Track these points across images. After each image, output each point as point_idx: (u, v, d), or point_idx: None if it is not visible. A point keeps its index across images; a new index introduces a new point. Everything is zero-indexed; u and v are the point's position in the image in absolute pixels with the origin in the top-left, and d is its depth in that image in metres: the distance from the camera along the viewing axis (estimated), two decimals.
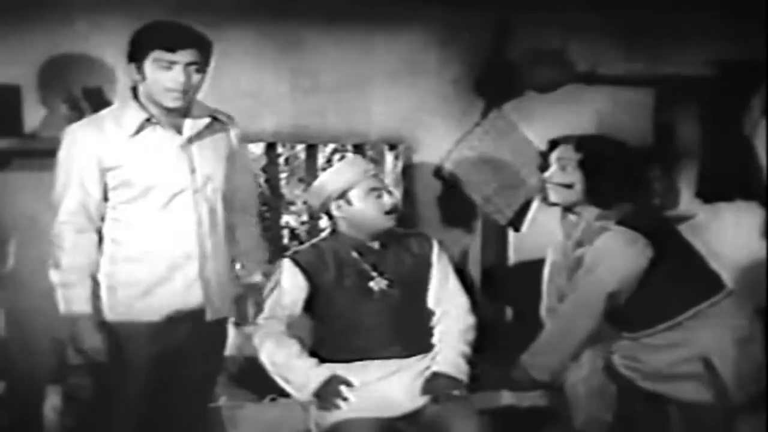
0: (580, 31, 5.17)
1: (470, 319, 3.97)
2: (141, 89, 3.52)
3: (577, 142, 3.85)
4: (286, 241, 6.79)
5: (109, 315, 3.54)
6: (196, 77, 3.49)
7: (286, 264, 3.90)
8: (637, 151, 4.11)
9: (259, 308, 3.83)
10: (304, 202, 6.12)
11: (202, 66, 3.50)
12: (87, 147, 3.48)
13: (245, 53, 4.80)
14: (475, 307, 4.04)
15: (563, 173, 3.81)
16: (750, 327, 3.74)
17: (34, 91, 4.46)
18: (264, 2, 4.78)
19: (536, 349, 3.84)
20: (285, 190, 7.20)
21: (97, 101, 4.32)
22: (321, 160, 7.04)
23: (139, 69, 3.47)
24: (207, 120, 3.61)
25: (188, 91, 3.49)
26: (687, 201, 5.52)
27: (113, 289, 3.54)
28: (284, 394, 4.10)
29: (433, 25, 5.07)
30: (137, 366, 3.54)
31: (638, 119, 5.37)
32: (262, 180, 7.43)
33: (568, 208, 3.87)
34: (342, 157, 7.79)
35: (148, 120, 3.51)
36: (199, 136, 3.59)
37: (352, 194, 3.86)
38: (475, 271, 5.25)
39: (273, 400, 4.51)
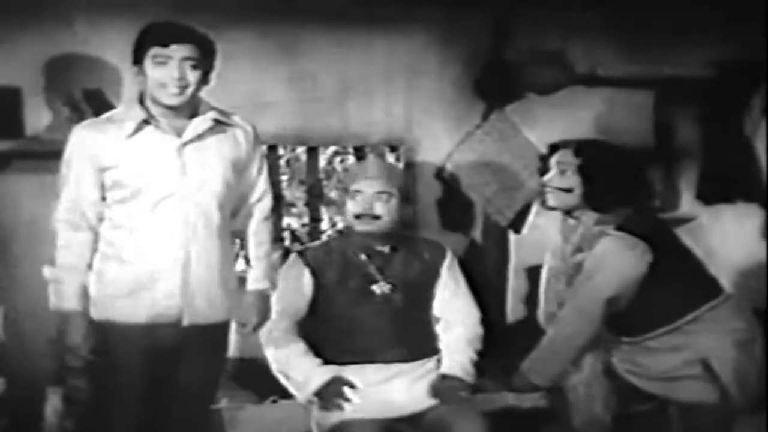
0: (580, 33, 5.17)
1: (479, 330, 4.00)
2: (146, 91, 3.53)
3: (576, 146, 3.85)
4: (287, 243, 6.80)
5: (95, 313, 3.54)
6: (193, 73, 3.49)
7: (294, 259, 3.91)
8: (637, 154, 4.10)
9: (265, 316, 3.79)
10: (306, 204, 6.11)
11: (200, 62, 3.50)
12: (86, 146, 3.50)
13: (246, 55, 4.80)
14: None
15: (562, 177, 3.81)
16: (749, 330, 3.74)
17: (34, 93, 4.46)
18: (264, 4, 4.78)
19: (536, 356, 3.84)
20: (286, 192, 7.20)
21: (98, 103, 4.32)
22: (322, 162, 7.05)
23: (141, 69, 3.49)
24: (209, 122, 3.58)
25: (186, 87, 3.48)
26: (687, 202, 5.51)
27: (100, 288, 3.54)
28: (286, 396, 4.10)
29: (433, 27, 5.07)
30: (129, 367, 3.52)
31: (638, 120, 5.37)
32: None
33: (567, 213, 3.87)
34: (343, 160, 7.80)
35: (145, 121, 3.51)
36: (200, 138, 3.57)
37: (347, 195, 3.90)
38: (475, 272, 5.24)
39: (274, 401, 4.50)
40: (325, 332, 3.89)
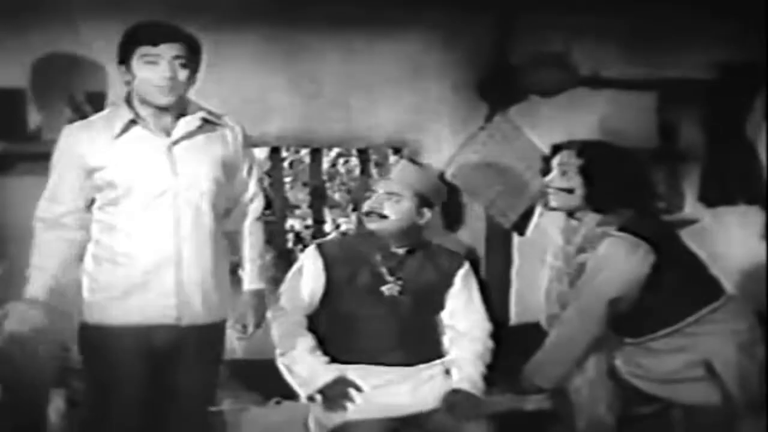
0: (583, 35, 5.17)
1: (489, 344, 4.00)
2: (133, 91, 3.52)
3: (578, 147, 3.86)
4: (290, 245, 6.81)
5: (90, 317, 3.54)
6: (183, 72, 3.48)
7: (311, 251, 3.93)
8: (639, 156, 4.10)
9: (262, 316, 3.80)
10: (309, 206, 6.13)
11: (189, 61, 3.49)
12: (72, 147, 3.50)
13: (249, 58, 4.81)
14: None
15: (564, 178, 3.82)
16: (751, 331, 3.74)
17: (36, 94, 4.47)
18: (267, 7, 4.78)
19: (539, 358, 3.84)
20: (289, 194, 7.23)
21: (100, 105, 4.32)
22: (325, 164, 7.07)
23: (128, 69, 3.47)
24: (197, 122, 3.57)
25: (176, 87, 3.48)
26: (690, 205, 5.52)
27: (94, 291, 3.54)
28: (289, 397, 4.10)
29: (436, 29, 5.07)
30: (126, 369, 3.52)
31: (641, 122, 5.37)
32: (266, 184, 7.46)
33: (569, 214, 3.87)
34: (346, 162, 7.81)
35: (132, 121, 3.50)
36: (188, 137, 3.56)
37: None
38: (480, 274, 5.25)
39: (278, 403, 4.50)
40: (330, 328, 3.91)
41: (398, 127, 5.11)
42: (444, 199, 4.14)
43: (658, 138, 5.46)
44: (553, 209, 3.90)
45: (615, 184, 3.77)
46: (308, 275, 3.90)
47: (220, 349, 3.80)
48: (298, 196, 7.65)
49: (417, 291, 3.91)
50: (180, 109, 3.56)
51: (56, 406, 4.33)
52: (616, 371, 3.84)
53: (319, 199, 5.63)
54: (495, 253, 5.31)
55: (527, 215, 5.24)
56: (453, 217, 5.22)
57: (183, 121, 3.55)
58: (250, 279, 3.78)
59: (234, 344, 3.94)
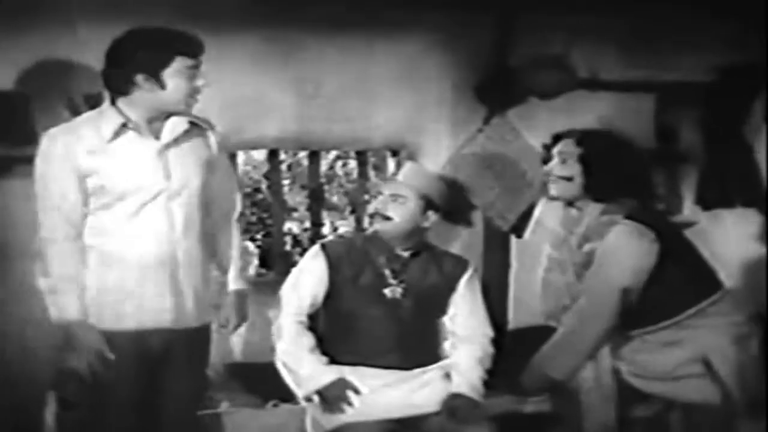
0: (582, 37, 5.17)
1: (490, 350, 4.00)
2: (134, 97, 3.47)
3: (578, 136, 3.84)
4: (288, 247, 6.81)
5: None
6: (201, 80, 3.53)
7: (315, 251, 3.93)
8: (639, 147, 4.08)
9: (243, 316, 3.82)
10: (308, 209, 6.12)
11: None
12: (65, 153, 3.45)
13: (247, 60, 4.81)
14: None
15: (563, 166, 3.80)
16: (747, 325, 3.74)
17: (34, 97, 4.46)
18: (266, 9, 4.78)
19: (552, 349, 3.82)
20: (287, 196, 7.22)
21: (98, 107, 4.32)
22: (323, 166, 7.07)
23: (157, 79, 3.44)
24: (185, 125, 3.57)
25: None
26: (688, 207, 5.52)
27: (89, 296, 3.50)
28: (286, 400, 4.10)
29: (435, 31, 5.07)
30: (123, 373, 3.50)
31: (640, 125, 5.36)
32: (264, 186, 7.46)
33: (569, 203, 3.86)
34: (344, 164, 7.82)
35: (124, 125, 3.48)
36: (176, 141, 3.55)
37: None
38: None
39: (275, 405, 4.50)
40: (330, 328, 3.91)
41: (397, 129, 5.11)
42: (448, 202, 4.13)
43: (657, 140, 5.46)
44: (553, 198, 3.88)
45: (615, 173, 3.75)
46: (312, 275, 3.90)
47: (208, 351, 3.81)
48: (296, 198, 7.65)
49: (419, 294, 3.90)
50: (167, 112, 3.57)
51: (53, 409, 4.33)
52: (617, 372, 3.82)
53: (317, 202, 5.62)
54: (493, 256, 5.30)
55: (525, 217, 5.24)
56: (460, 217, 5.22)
57: (170, 123, 3.55)
58: (233, 279, 3.80)
59: (232, 347, 3.94)
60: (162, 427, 3.66)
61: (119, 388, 3.51)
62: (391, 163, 5.30)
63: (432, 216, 3.95)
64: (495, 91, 5.16)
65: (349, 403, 3.74)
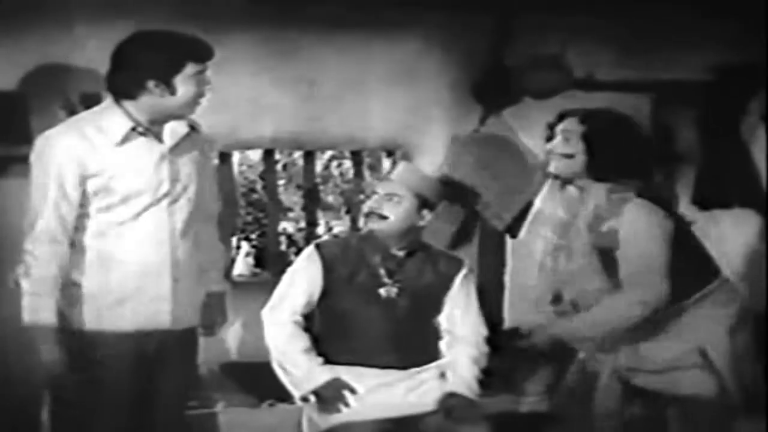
0: (578, 37, 5.18)
1: (485, 348, 3.98)
2: (140, 101, 3.44)
3: (583, 114, 3.82)
4: (283, 247, 6.80)
5: (84, 324, 3.49)
6: None
7: (310, 251, 3.93)
8: (644, 130, 4.05)
9: (224, 317, 3.86)
10: (303, 208, 6.12)
11: None
12: (68, 153, 3.40)
13: (243, 60, 4.81)
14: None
15: (566, 144, 3.77)
16: (743, 315, 3.73)
17: (32, 96, 4.46)
18: (263, 9, 4.79)
19: (592, 317, 3.74)
20: (282, 196, 7.21)
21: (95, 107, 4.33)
22: (319, 166, 7.07)
23: (168, 84, 3.41)
24: (185, 129, 3.56)
25: None
26: (684, 207, 5.52)
27: (88, 298, 3.48)
28: (282, 399, 4.10)
29: (431, 32, 5.08)
30: (121, 375, 3.49)
31: None
32: (259, 186, 7.45)
33: (568, 182, 3.83)
34: (340, 164, 7.81)
35: (133, 129, 3.45)
36: (180, 143, 3.55)
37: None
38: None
39: (271, 405, 4.50)
40: (325, 328, 3.90)
41: (392, 129, 5.12)
42: (442, 200, 4.12)
43: (654, 140, 5.46)
44: (554, 177, 3.86)
45: (618, 152, 3.72)
46: (306, 275, 3.89)
47: (197, 351, 3.81)
48: (292, 198, 7.64)
49: (415, 293, 3.90)
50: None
51: (48, 408, 4.32)
52: (617, 370, 3.82)
53: (312, 202, 5.63)
54: (488, 256, 5.31)
55: (521, 218, 5.24)
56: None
57: (170, 127, 3.54)
58: (215, 281, 3.82)
59: (229, 346, 3.95)
60: (155, 426, 3.66)
61: (115, 388, 3.50)
62: (386, 163, 5.30)
63: (427, 215, 3.95)
64: (491, 91, 5.16)
65: (345, 403, 3.74)
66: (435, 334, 3.99)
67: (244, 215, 7.58)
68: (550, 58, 5.10)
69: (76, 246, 3.47)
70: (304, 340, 3.84)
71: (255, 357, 4.01)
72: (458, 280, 3.98)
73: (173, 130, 3.54)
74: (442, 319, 3.97)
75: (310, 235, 5.58)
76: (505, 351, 4.15)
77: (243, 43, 4.80)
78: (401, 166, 4.09)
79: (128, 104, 3.46)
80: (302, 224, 6.79)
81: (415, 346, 3.92)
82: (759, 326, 3.93)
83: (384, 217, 3.87)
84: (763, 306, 4.63)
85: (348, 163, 7.10)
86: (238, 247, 7.40)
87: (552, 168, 3.81)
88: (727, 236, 5.52)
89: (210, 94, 3.61)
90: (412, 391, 3.83)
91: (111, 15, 4.40)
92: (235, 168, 6.27)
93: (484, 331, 4.01)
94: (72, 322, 3.47)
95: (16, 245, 4.36)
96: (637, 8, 5.11)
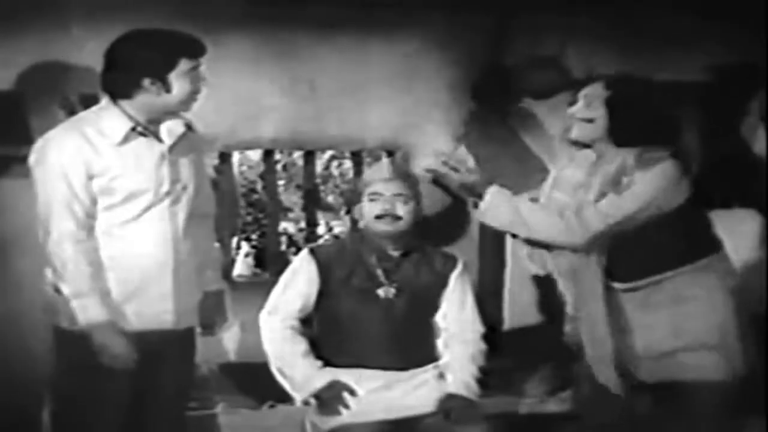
0: (577, 37, 5.18)
1: (482, 346, 3.97)
2: (137, 100, 3.46)
3: (609, 79, 3.80)
4: (283, 247, 6.81)
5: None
6: None
7: (304, 255, 3.92)
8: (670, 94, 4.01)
9: (223, 316, 3.86)
10: (303, 209, 6.13)
11: None
12: (72, 154, 3.41)
13: (242, 60, 4.81)
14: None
15: (587, 109, 3.74)
16: (737, 290, 3.74)
17: (31, 97, 4.46)
18: (261, 9, 4.78)
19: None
20: (283, 196, 7.23)
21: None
22: (319, 167, 7.08)
23: (164, 82, 3.43)
24: (182, 128, 3.57)
25: None
26: None
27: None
28: (283, 400, 4.09)
29: (430, 31, 5.08)
30: (117, 375, 3.47)
31: None
32: (259, 186, 7.46)
33: (586, 146, 3.80)
34: (340, 164, 7.83)
35: (133, 129, 3.46)
36: (178, 142, 3.56)
37: (363, 197, 3.89)
38: (472, 277, 5.24)
39: (272, 406, 4.50)
40: (324, 331, 3.90)
41: (392, 130, 5.11)
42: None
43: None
44: (574, 143, 3.83)
45: (641, 118, 3.70)
46: (302, 280, 3.88)
47: (195, 352, 3.82)
48: (292, 198, 7.67)
49: (413, 293, 3.90)
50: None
51: (49, 407, 4.32)
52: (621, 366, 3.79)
53: (312, 202, 5.64)
54: (488, 256, 5.30)
55: None
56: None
57: (165, 127, 3.54)
58: (214, 279, 3.82)
59: (228, 347, 3.94)
60: (156, 427, 3.68)
61: (115, 388, 3.50)
62: (386, 162, 5.30)
63: (420, 213, 3.96)
64: (490, 91, 5.16)
65: (345, 405, 3.74)
66: (434, 334, 3.98)
67: (244, 215, 7.61)
68: (549, 59, 5.10)
69: (93, 244, 3.47)
70: (301, 344, 3.84)
71: (255, 358, 4.00)
72: (453, 276, 3.97)
73: (170, 130, 3.55)
74: (439, 318, 3.97)
75: (311, 235, 5.59)
76: (505, 351, 4.15)
77: (242, 43, 4.80)
78: (387, 163, 4.08)
79: (125, 103, 3.47)
80: (302, 224, 6.81)
81: (415, 345, 3.91)
82: (759, 326, 3.92)
83: (398, 218, 3.86)
84: (764, 306, 4.62)
85: (348, 163, 7.11)
86: (238, 248, 7.42)
87: (573, 134, 3.78)
88: (727, 236, 5.52)
89: (210, 94, 3.64)
90: (412, 392, 3.82)
91: (108, 15, 4.40)
92: (235, 168, 6.30)
93: (480, 328, 4.00)
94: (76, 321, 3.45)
95: (16, 245, 4.40)
96: (636, 8, 5.11)
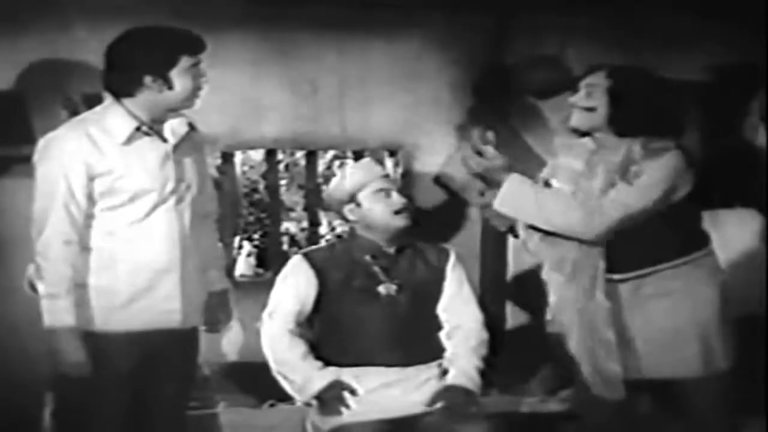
0: (578, 37, 5.18)
1: (484, 335, 3.95)
2: (139, 98, 3.46)
3: (611, 69, 3.80)
4: (285, 247, 6.81)
5: (94, 324, 3.47)
6: None
7: (297, 261, 3.91)
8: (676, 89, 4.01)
9: (228, 315, 3.87)
10: (305, 208, 6.12)
11: None
12: (74, 154, 3.40)
13: (244, 60, 4.82)
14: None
15: (588, 98, 3.74)
16: (726, 289, 3.74)
17: (33, 96, 4.47)
18: (263, 9, 4.79)
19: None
20: (285, 196, 7.23)
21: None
22: (321, 166, 7.08)
23: (165, 79, 3.43)
24: (186, 127, 3.57)
25: None
26: None
27: (98, 299, 3.47)
28: (283, 400, 4.10)
29: (431, 31, 5.09)
30: (129, 376, 3.50)
31: None
32: (261, 186, 7.46)
33: (585, 134, 3.80)
34: (342, 164, 7.83)
35: (137, 128, 3.46)
36: (182, 141, 3.56)
37: (361, 196, 3.87)
38: (474, 277, 5.25)
39: (272, 405, 4.51)
40: (326, 332, 3.89)
41: (394, 129, 5.12)
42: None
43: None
44: (574, 130, 3.82)
45: (642, 109, 3.70)
46: (298, 285, 3.87)
47: (198, 351, 3.83)
48: (294, 198, 7.67)
49: (414, 288, 3.89)
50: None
51: (51, 410, 4.33)
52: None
53: (314, 202, 5.64)
54: (490, 256, 5.31)
55: None
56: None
57: (170, 125, 3.55)
58: (218, 279, 3.84)
59: (229, 347, 3.95)
60: (156, 427, 3.68)
61: (117, 388, 3.51)
62: (388, 163, 5.30)
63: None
64: (492, 90, 5.16)
65: (346, 405, 3.75)
66: (437, 328, 3.98)
67: (247, 215, 7.61)
68: (549, 58, 5.11)
69: (87, 246, 3.48)
70: (300, 347, 3.83)
71: (256, 357, 4.00)
72: (449, 268, 3.97)
73: (173, 130, 3.55)
74: (440, 310, 3.96)
75: (313, 235, 5.59)
76: (505, 351, 4.15)
77: (244, 43, 4.81)
78: (368, 162, 4.07)
79: (128, 102, 3.47)
80: (304, 224, 6.80)
81: (418, 341, 3.90)
82: (759, 326, 3.92)
83: (412, 212, 3.89)
84: (764, 306, 4.62)
85: (350, 163, 7.11)
86: (240, 248, 7.43)
87: (573, 122, 3.77)
88: (727, 236, 5.52)
89: (212, 94, 3.64)
90: (414, 390, 3.82)
91: (110, 14, 4.41)
92: (238, 168, 6.31)
93: (480, 317, 3.99)
94: (80, 323, 3.44)
95: (16, 245, 4.40)
96: (636, 8, 5.11)
